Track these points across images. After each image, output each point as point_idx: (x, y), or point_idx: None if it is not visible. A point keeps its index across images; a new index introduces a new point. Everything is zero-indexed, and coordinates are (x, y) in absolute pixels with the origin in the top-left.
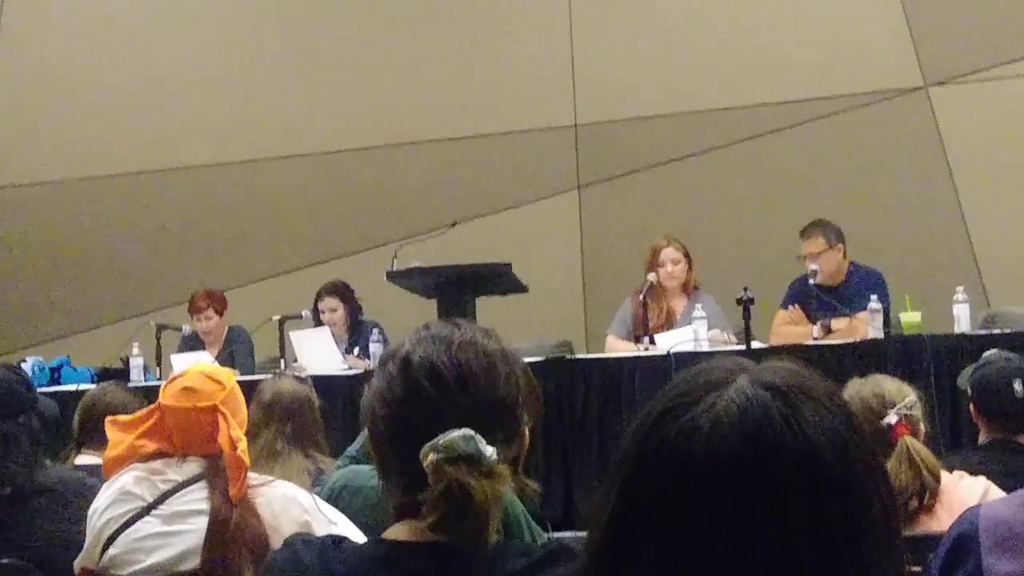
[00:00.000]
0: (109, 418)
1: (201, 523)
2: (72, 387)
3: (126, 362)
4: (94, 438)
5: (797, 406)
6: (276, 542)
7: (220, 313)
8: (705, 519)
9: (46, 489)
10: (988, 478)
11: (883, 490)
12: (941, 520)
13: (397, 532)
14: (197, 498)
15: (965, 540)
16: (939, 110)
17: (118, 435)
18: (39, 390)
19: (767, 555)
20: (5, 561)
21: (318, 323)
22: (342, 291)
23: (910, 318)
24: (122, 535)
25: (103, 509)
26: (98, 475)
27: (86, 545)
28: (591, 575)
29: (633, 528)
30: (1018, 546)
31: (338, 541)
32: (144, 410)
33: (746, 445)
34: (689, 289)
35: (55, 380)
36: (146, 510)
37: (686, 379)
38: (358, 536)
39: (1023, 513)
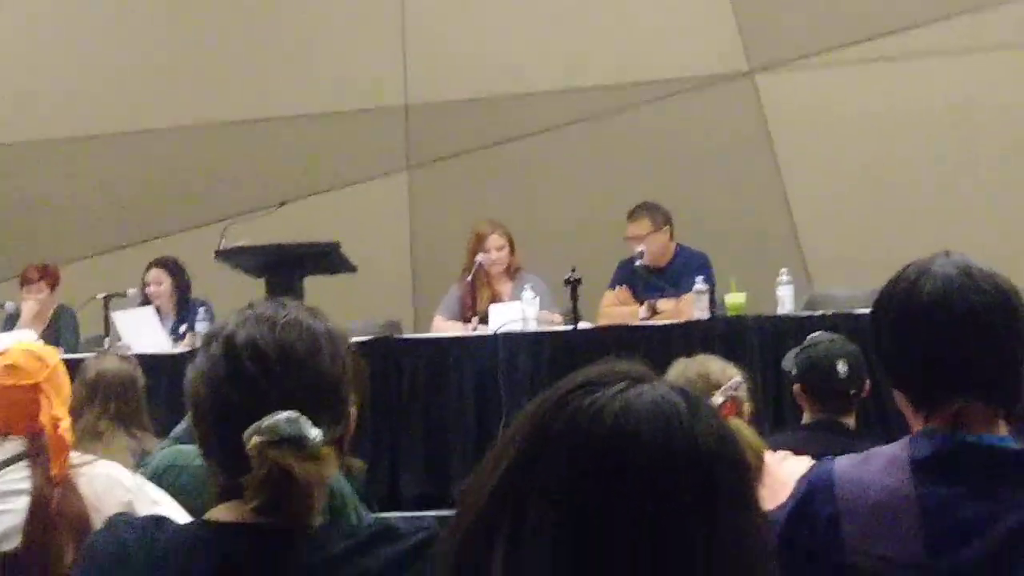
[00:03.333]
0: None
1: (22, 503)
2: None
3: None
4: None
5: (699, 411)
6: (98, 522)
7: (52, 288)
8: (599, 491)
9: None
10: (812, 458)
11: (752, 487)
12: (763, 500)
13: (220, 513)
14: (17, 478)
15: (815, 494)
16: (764, 95)
17: None
18: None
19: (651, 532)
20: None
21: (145, 300)
22: (169, 265)
23: (735, 299)
24: None
25: None
26: None
27: None
28: (460, 548)
29: (522, 493)
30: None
31: (160, 521)
32: None
33: (652, 430)
34: (512, 272)
35: None
36: None
37: (599, 368)
38: (181, 516)
39: (876, 476)
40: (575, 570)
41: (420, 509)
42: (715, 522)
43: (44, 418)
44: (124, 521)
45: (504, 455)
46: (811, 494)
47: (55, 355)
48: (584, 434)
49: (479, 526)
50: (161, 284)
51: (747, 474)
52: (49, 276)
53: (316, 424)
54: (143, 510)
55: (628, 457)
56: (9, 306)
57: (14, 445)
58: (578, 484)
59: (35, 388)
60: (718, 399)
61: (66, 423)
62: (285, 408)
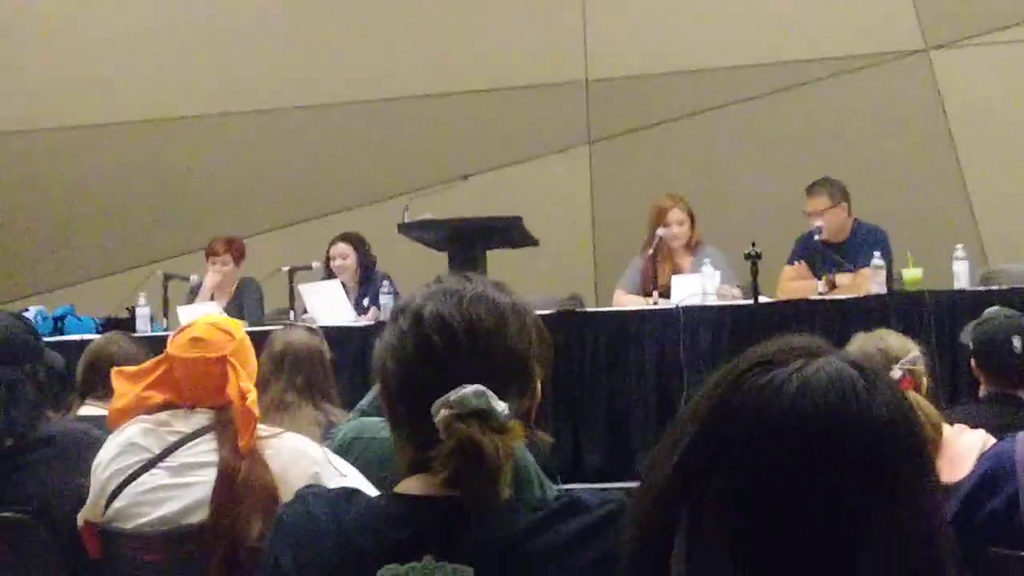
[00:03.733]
0: (115, 369)
1: (209, 475)
2: (76, 337)
3: (132, 312)
4: (98, 389)
5: (875, 383)
6: (285, 494)
7: (237, 261)
8: (778, 467)
9: (48, 441)
10: (987, 431)
11: (929, 461)
12: (942, 472)
13: (409, 486)
14: (205, 450)
15: (998, 472)
16: (939, 72)
17: (124, 386)
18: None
19: (828, 505)
20: (6, 514)
21: (329, 274)
22: (354, 239)
23: (912, 274)
24: (128, 487)
25: (108, 461)
26: (102, 426)
27: (90, 498)
28: (645, 521)
29: (703, 468)
30: None
31: (350, 494)
32: (151, 361)
33: (831, 406)
34: (692, 246)
35: (58, 330)
36: (152, 462)
37: (773, 344)
38: (369, 489)
39: None
40: (756, 544)
41: (602, 482)
42: (893, 495)
43: (231, 390)
44: (314, 494)
45: (685, 432)
46: (992, 471)
47: (241, 328)
48: (763, 412)
49: (663, 500)
50: (347, 258)
51: (924, 447)
52: (234, 249)
53: (503, 397)
54: (330, 482)
55: (807, 434)
56: (194, 279)
57: (201, 417)
58: (758, 461)
59: (222, 361)
60: (896, 373)
61: (254, 395)
62: (472, 382)
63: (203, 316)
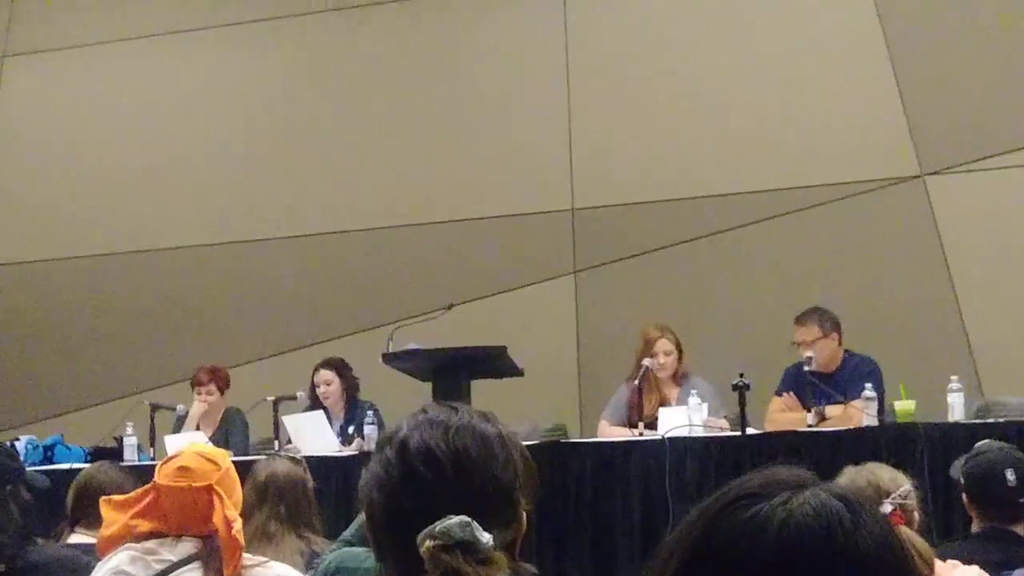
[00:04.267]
0: (103, 498)
1: None
2: (66, 466)
3: (119, 441)
4: (88, 517)
5: (861, 516)
6: None
7: (222, 391)
8: None
9: (40, 566)
10: (982, 568)
11: None
12: None
13: None
14: None
15: None
16: (935, 199)
17: (112, 514)
18: (33, 468)
19: None
20: None
21: (314, 401)
22: (338, 365)
23: (904, 406)
24: None
25: None
26: (92, 554)
27: None
28: None
29: None
30: None
31: None
32: (139, 490)
33: (817, 543)
34: (679, 377)
35: (48, 459)
36: None
37: (758, 477)
38: None
39: None
40: None
41: None
42: None
43: (217, 519)
44: None
45: (668, 568)
46: None
47: (226, 458)
48: (746, 549)
49: None
50: (331, 384)
51: (913, 570)
52: (219, 378)
53: (488, 528)
54: None
55: (792, 570)
56: (180, 408)
57: (188, 546)
58: None
59: (208, 490)
60: (887, 507)
61: (239, 524)
62: (458, 512)
63: (190, 446)
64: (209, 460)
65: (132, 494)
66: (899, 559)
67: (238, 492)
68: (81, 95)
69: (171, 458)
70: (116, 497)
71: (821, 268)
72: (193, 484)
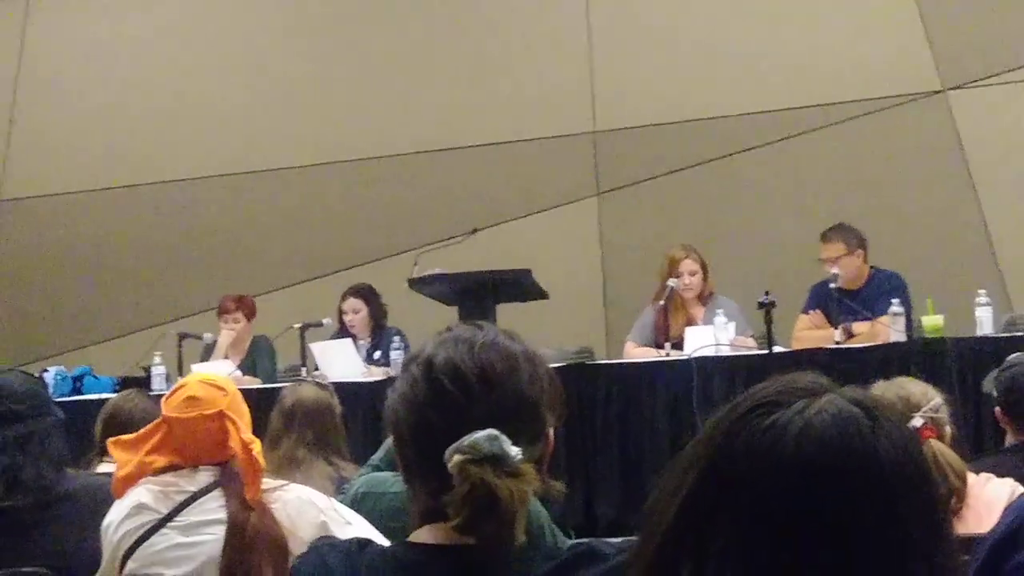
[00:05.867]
0: (111, 440)
1: (220, 531)
2: (95, 396)
3: (148, 371)
4: None
5: (879, 422)
6: (295, 546)
7: (248, 318)
8: (783, 513)
9: (71, 496)
10: (1017, 481)
11: (937, 499)
12: (967, 522)
13: (423, 535)
14: (214, 507)
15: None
16: (958, 114)
17: (124, 455)
18: (62, 399)
19: (835, 553)
20: (28, 570)
21: (341, 328)
22: (366, 293)
23: (932, 321)
24: (139, 548)
25: (118, 523)
26: None
27: (104, 560)
28: (648, 561)
29: (705, 515)
30: None
31: (363, 544)
32: (148, 426)
33: (835, 450)
34: (705, 297)
35: (77, 390)
36: (162, 522)
37: (774, 384)
38: (378, 538)
39: None
40: None
41: (616, 535)
42: (902, 539)
43: (234, 443)
44: (328, 544)
45: (686, 479)
46: (1019, 524)
47: (231, 382)
48: (766, 457)
49: (664, 549)
50: (358, 312)
51: (932, 485)
52: (245, 306)
53: (515, 443)
54: (337, 531)
55: (812, 477)
56: (207, 337)
57: (207, 475)
58: (762, 507)
59: (220, 416)
60: (918, 421)
61: (258, 446)
62: (485, 428)
63: (192, 375)
64: (215, 386)
65: (141, 432)
66: (918, 464)
67: (247, 415)
68: (102, 32)
69: (176, 390)
70: (124, 437)
71: (845, 185)
72: (203, 412)
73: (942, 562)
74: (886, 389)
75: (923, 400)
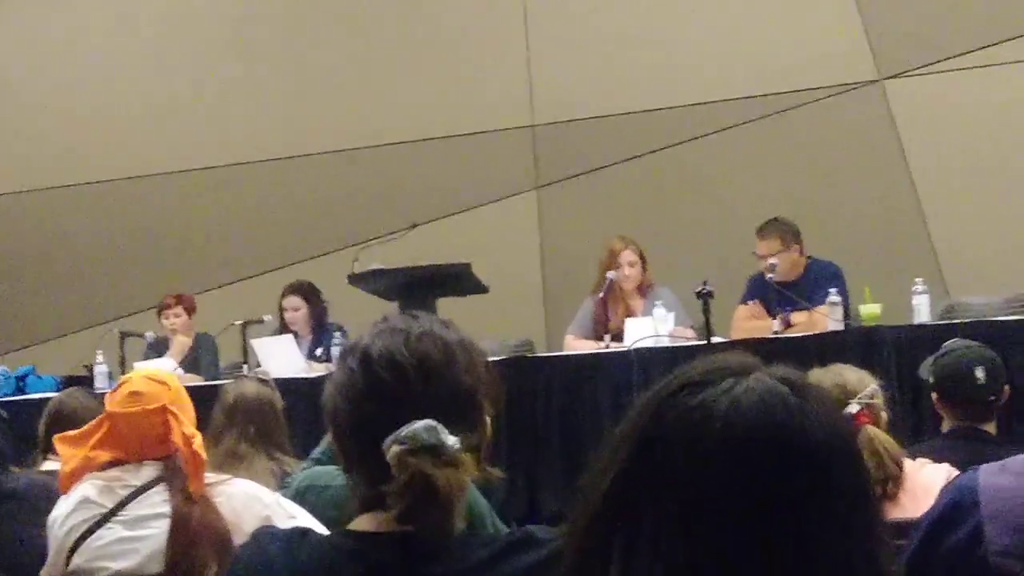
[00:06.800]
0: (57, 436)
1: (164, 525)
2: (38, 395)
3: (90, 369)
4: None
5: (807, 399)
6: (239, 539)
7: (188, 314)
8: (713, 491)
9: (16, 494)
10: (953, 466)
11: (866, 476)
12: (904, 507)
13: (363, 523)
14: (158, 501)
15: (960, 504)
16: (894, 103)
17: (69, 450)
18: (5, 399)
19: (764, 528)
20: None
21: (282, 325)
22: (305, 290)
23: (870, 310)
24: (85, 543)
25: (64, 517)
26: None
27: (50, 554)
28: (578, 552)
29: (636, 493)
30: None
31: (303, 533)
32: (92, 422)
33: (762, 427)
34: (644, 288)
35: (20, 389)
36: (107, 516)
37: (703, 364)
38: (321, 529)
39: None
40: (691, 569)
41: (558, 526)
42: (830, 516)
43: (176, 437)
44: (269, 533)
45: (616, 458)
46: (955, 504)
47: (174, 377)
48: (693, 437)
49: (594, 529)
50: (298, 310)
51: (860, 460)
52: (185, 302)
53: (453, 432)
54: (281, 524)
55: (739, 455)
56: (149, 335)
57: (151, 470)
58: (690, 487)
59: (163, 410)
60: (854, 408)
61: (199, 439)
62: (422, 418)
63: (135, 371)
64: (158, 381)
65: (86, 427)
66: (847, 440)
67: (191, 410)
68: (55, 25)
69: (119, 385)
70: (69, 433)
71: (782, 175)
72: (146, 407)
73: (872, 540)
74: (822, 376)
75: (859, 387)
